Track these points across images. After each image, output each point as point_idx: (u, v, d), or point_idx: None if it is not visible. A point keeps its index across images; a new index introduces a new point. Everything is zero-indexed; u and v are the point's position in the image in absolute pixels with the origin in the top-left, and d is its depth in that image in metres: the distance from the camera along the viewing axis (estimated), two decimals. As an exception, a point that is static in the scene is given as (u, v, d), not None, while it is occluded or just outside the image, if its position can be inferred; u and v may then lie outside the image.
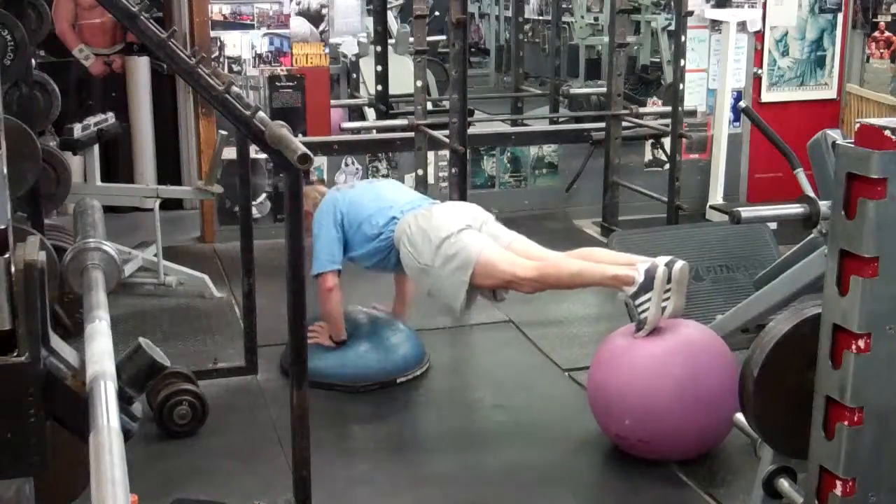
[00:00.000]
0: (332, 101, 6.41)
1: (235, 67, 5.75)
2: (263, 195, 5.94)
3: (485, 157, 6.43)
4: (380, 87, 6.69)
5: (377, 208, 3.83)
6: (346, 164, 6.09)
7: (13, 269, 1.34)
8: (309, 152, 2.47)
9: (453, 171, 4.77)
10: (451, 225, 3.61)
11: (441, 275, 3.57)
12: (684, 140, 5.79)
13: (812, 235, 3.18)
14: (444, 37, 7.76)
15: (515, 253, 3.60)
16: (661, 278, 3.23)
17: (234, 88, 2.86)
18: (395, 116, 6.53)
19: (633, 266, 3.33)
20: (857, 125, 1.92)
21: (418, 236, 3.64)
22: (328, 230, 3.84)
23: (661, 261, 3.29)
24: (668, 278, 3.24)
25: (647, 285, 3.24)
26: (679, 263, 3.28)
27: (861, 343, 1.92)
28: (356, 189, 4.02)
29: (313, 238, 3.82)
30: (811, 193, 2.92)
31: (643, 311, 3.23)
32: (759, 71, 6.45)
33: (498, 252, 3.56)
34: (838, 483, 1.98)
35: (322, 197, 3.97)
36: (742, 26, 6.32)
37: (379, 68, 6.70)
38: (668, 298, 3.23)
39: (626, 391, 3.20)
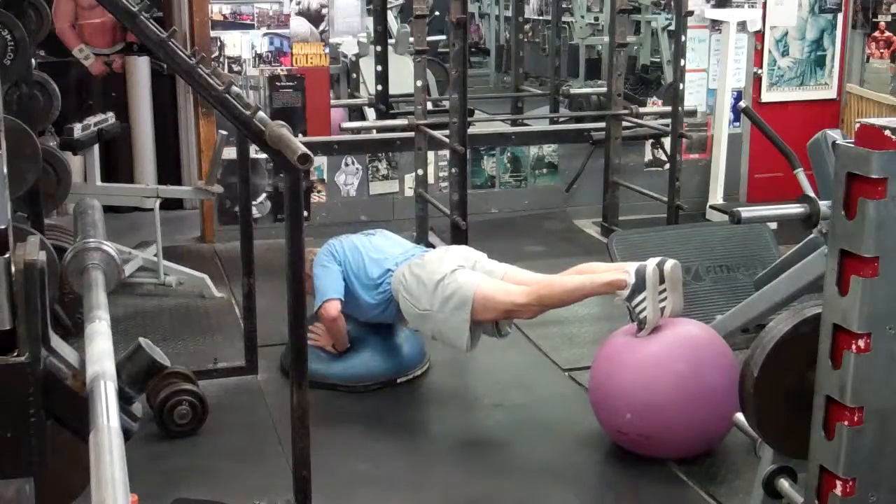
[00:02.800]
0: (332, 101, 6.41)
1: (235, 67, 5.75)
2: (263, 195, 5.94)
3: (485, 157, 6.43)
4: (380, 87, 6.68)
5: (373, 260, 3.87)
6: (346, 164, 6.09)
7: (13, 269, 1.34)
8: (309, 152, 2.47)
9: (453, 171, 4.77)
10: (443, 267, 3.65)
11: (441, 317, 3.59)
12: (684, 140, 5.79)
13: (812, 235, 3.18)
14: (444, 37, 7.75)
15: (511, 283, 3.62)
16: (651, 276, 3.26)
17: (234, 88, 2.86)
18: (395, 116, 6.52)
19: (622, 270, 3.36)
20: (857, 125, 1.92)
21: (414, 284, 3.67)
22: (328, 268, 3.87)
23: (652, 261, 3.33)
24: (661, 278, 3.27)
25: (640, 285, 3.27)
26: (670, 262, 3.31)
27: (861, 343, 1.92)
28: (351, 239, 4.02)
29: (314, 279, 3.84)
30: (811, 193, 2.92)
31: (641, 311, 3.26)
32: (759, 71, 6.45)
33: (493, 284, 3.59)
34: (838, 483, 1.98)
35: (315, 254, 3.99)
36: (742, 26, 6.32)
37: (379, 68, 6.70)
38: (664, 298, 3.27)
39: (628, 385, 3.21)
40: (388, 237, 4.10)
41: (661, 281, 3.27)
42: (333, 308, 3.80)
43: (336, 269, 3.87)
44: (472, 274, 3.64)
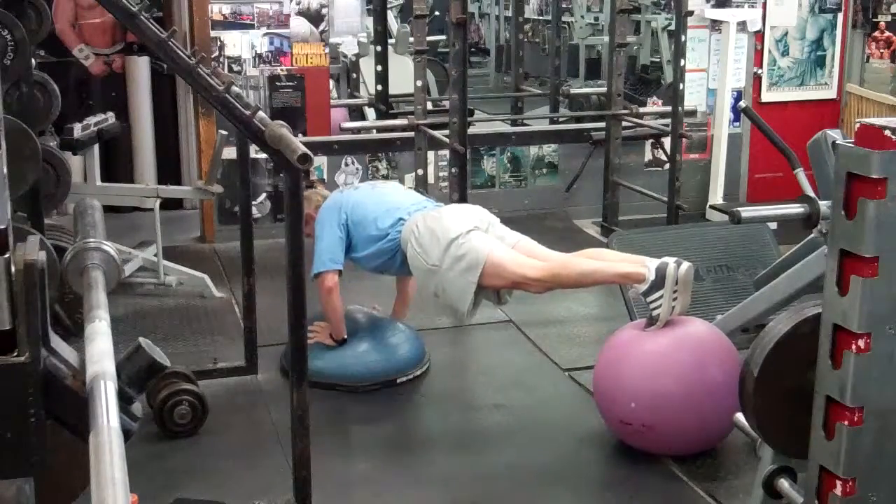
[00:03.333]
0: (332, 101, 6.41)
1: (235, 67, 5.75)
2: (263, 195, 5.94)
3: (485, 157, 6.43)
4: (380, 87, 6.68)
5: (383, 210, 3.83)
6: (346, 164, 6.09)
7: (13, 269, 1.34)
8: (309, 152, 2.47)
9: (453, 170, 4.77)
10: (459, 226, 3.61)
11: (449, 276, 3.56)
12: (684, 140, 5.79)
13: (812, 235, 3.18)
14: (444, 37, 7.75)
15: (521, 254, 3.61)
16: (671, 276, 3.28)
17: (234, 88, 2.86)
18: (395, 116, 6.52)
19: (643, 264, 3.37)
20: (857, 125, 1.92)
21: (427, 237, 3.64)
22: (331, 231, 3.83)
23: (670, 261, 3.34)
24: (676, 279, 3.28)
25: (659, 283, 3.29)
26: (685, 265, 3.33)
27: (861, 343, 1.92)
28: (360, 190, 4.02)
29: (315, 239, 3.82)
30: (811, 193, 2.92)
31: (656, 308, 3.28)
32: (759, 71, 6.45)
33: (506, 253, 3.56)
34: (838, 483, 1.98)
35: (324, 199, 3.97)
36: (742, 26, 6.32)
37: (379, 68, 6.70)
38: (675, 298, 3.29)
39: (634, 375, 3.24)
40: (399, 186, 4.11)
41: (675, 282, 3.28)
42: (331, 279, 3.78)
43: (339, 235, 3.83)
44: (486, 238, 3.60)
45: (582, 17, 9.37)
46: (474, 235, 3.58)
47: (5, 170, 1.36)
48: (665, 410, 3.18)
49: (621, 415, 3.27)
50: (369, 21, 7.69)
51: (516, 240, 3.71)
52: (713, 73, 6.40)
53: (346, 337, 3.89)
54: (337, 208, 3.88)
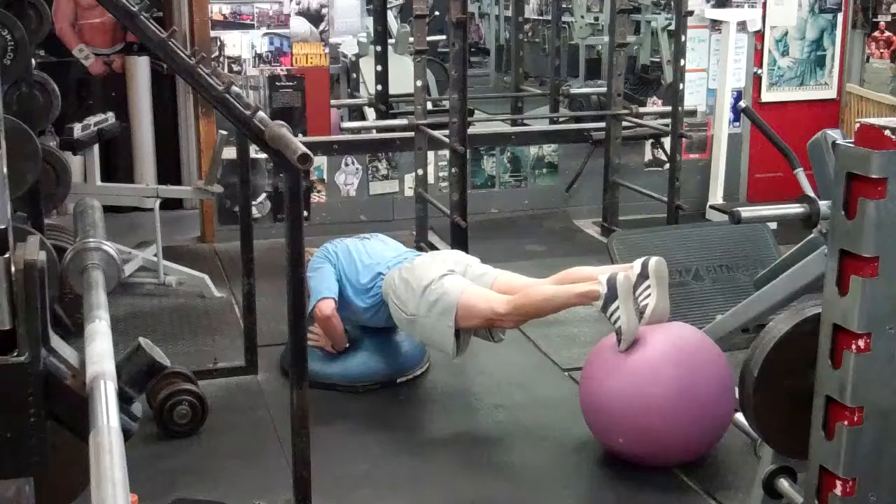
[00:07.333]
0: (332, 101, 6.41)
1: (235, 67, 5.75)
2: (263, 195, 5.94)
3: (485, 157, 6.43)
4: (380, 87, 6.68)
5: (364, 265, 3.88)
6: (346, 164, 6.09)
7: (13, 269, 1.34)
8: (309, 152, 2.47)
9: (453, 170, 4.77)
10: (432, 272, 3.63)
11: (428, 322, 3.58)
12: (684, 140, 5.79)
13: (812, 235, 3.18)
14: (444, 37, 7.75)
15: (500, 289, 3.59)
16: (623, 284, 3.18)
17: (234, 88, 2.86)
18: (395, 116, 6.53)
19: (595, 280, 3.30)
20: (857, 125, 1.92)
21: (402, 288, 3.67)
22: (321, 267, 3.89)
23: (636, 263, 3.27)
24: (646, 274, 3.22)
25: (612, 295, 3.19)
26: (654, 258, 3.25)
27: (861, 343, 1.92)
28: (346, 243, 4.03)
29: (308, 280, 3.82)
30: (811, 193, 2.91)
31: (616, 321, 3.16)
32: (759, 71, 6.46)
33: (478, 292, 3.55)
34: (838, 483, 1.98)
35: (312, 255, 4.00)
36: (742, 26, 6.32)
37: (379, 68, 6.70)
38: (648, 295, 3.21)
39: (617, 410, 3.15)
40: (383, 241, 4.10)
41: (646, 277, 3.21)
42: (327, 306, 3.80)
43: (329, 269, 3.89)
44: (459, 280, 3.61)
45: (582, 17, 9.35)
46: (447, 280, 3.59)
47: (5, 170, 1.36)
48: (654, 442, 3.12)
49: (611, 444, 3.24)
50: (369, 21, 7.68)
51: (496, 276, 3.70)
52: (713, 73, 6.40)
53: (347, 346, 3.92)
54: (324, 256, 3.95)
